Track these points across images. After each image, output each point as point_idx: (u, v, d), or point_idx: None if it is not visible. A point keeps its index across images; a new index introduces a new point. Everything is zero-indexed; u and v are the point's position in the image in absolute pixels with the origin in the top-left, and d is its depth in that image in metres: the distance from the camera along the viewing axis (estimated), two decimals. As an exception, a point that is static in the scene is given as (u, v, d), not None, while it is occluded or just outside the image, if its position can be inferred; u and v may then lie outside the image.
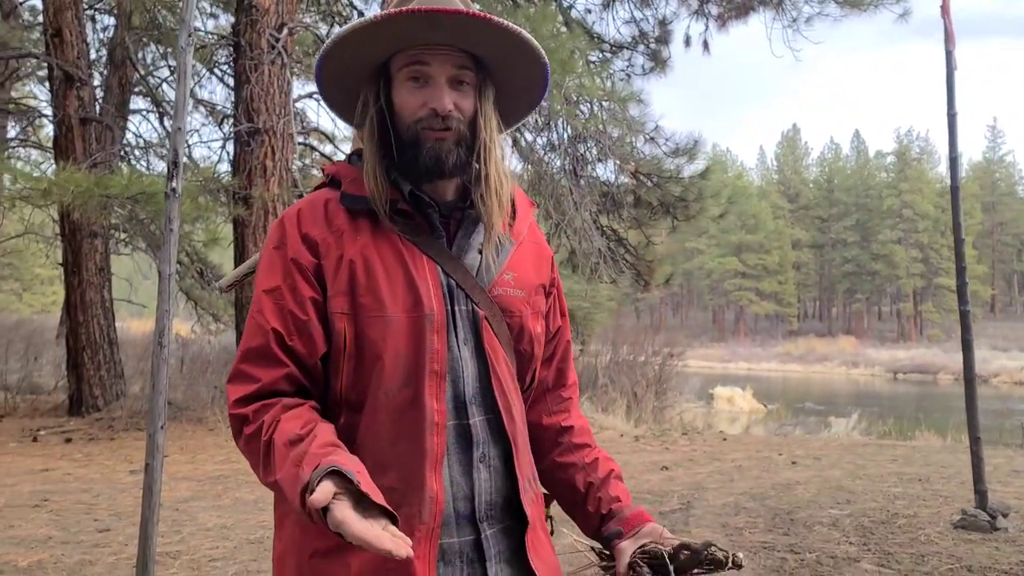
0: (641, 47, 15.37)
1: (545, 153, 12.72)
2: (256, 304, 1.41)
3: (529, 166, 12.67)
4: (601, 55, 15.59)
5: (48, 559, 4.72)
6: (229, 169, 10.63)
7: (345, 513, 1.10)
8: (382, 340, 1.36)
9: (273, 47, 10.13)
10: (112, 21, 13.04)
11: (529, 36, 1.43)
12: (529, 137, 13.22)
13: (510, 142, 13.26)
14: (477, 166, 1.46)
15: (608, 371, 13.35)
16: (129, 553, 4.77)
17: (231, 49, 10.77)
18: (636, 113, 13.81)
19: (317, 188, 1.53)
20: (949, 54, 6.32)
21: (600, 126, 11.83)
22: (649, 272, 14.11)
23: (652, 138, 13.44)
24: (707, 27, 14.97)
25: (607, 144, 12.01)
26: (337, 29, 10.44)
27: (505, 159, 1.53)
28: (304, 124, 14.04)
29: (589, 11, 15.41)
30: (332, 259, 1.40)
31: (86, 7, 12.41)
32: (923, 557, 5.14)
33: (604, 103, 12.67)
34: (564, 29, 9.96)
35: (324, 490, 1.11)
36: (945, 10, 6.34)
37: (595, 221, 13.81)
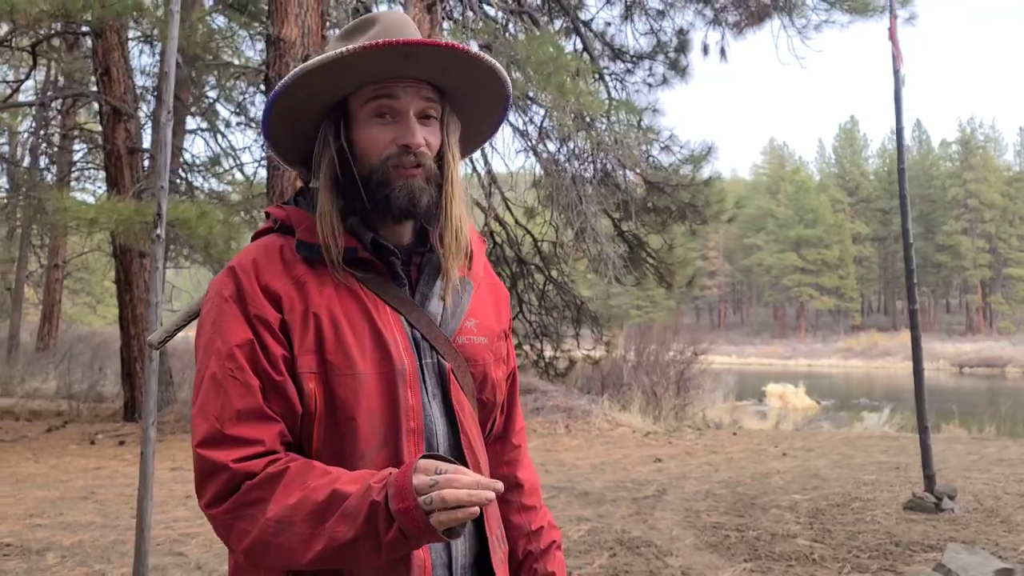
0: (661, 57, 15.88)
1: (567, 161, 13.34)
2: (230, 360, 1.27)
3: (546, 174, 13.33)
4: (623, 66, 16.17)
5: (88, 539, 5.56)
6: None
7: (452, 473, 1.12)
8: (354, 399, 1.28)
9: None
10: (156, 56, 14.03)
11: (501, 68, 1.39)
12: (552, 147, 13.89)
13: (531, 153, 13.94)
14: (440, 205, 1.39)
15: (631, 371, 13.91)
16: (154, 534, 5.58)
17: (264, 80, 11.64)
18: (650, 122, 14.38)
19: (259, 233, 1.44)
20: (896, 72, 6.81)
21: (613, 138, 12.41)
22: (670, 274, 14.64)
23: (667, 146, 14.00)
24: (723, 35, 15.42)
25: (622, 154, 12.56)
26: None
27: (465, 196, 1.45)
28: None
29: (608, 24, 16.00)
30: (297, 314, 1.30)
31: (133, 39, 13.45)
32: (858, 534, 5.66)
33: (621, 115, 13.26)
34: (571, 49, 10.53)
35: (427, 463, 1.14)
36: (892, 34, 6.83)
37: (616, 227, 14.41)
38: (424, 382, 1.35)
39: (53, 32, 12.46)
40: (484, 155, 14.08)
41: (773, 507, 6.42)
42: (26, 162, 20.07)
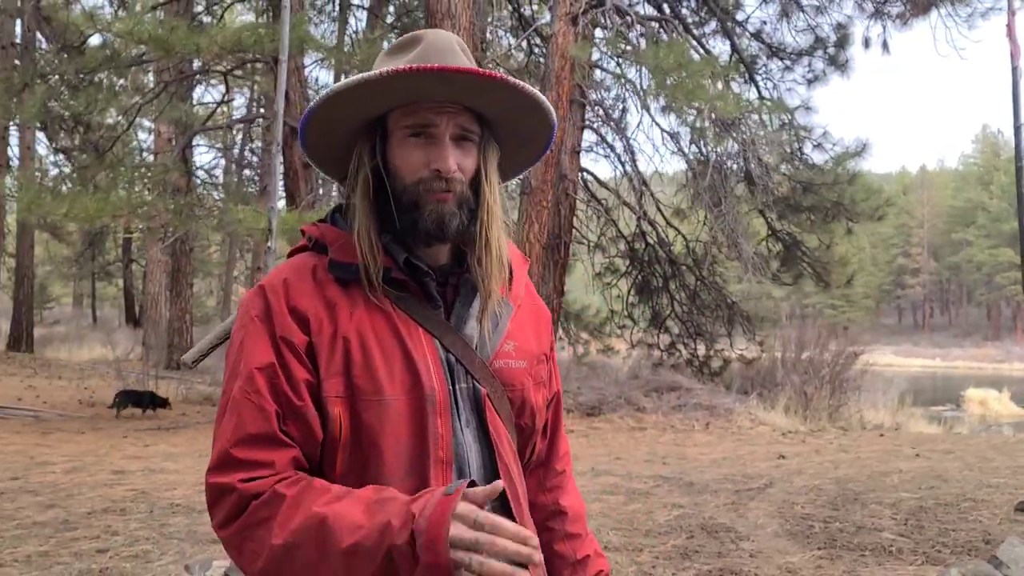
0: (819, 52, 15.66)
1: (715, 162, 13.49)
2: (248, 383, 1.26)
3: (694, 175, 13.54)
4: (780, 63, 16.06)
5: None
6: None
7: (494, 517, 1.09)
8: (379, 426, 1.25)
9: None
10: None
11: (542, 97, 1.37)
12: (699, 149, 14.09)
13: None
14: (475, 229, 1.36)
15: (784, 371, 13.83)
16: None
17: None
18: (804, 120, 14.25)
19: (295, 251, 1.43)
20: (1015, 69, 6.69)
21: (765, 138, 12.45)
22: (827, 273, 14.43)
23: (819, 144, 13.84)
24: (884, 28, 15.01)
25: (770, 153, 12.60)
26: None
27: (506, 222, 1.43)
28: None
29: (765, 22, 15.93)
30: (325, 336, 1.28)
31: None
32: (951, 531, 5.70)
33: (766, 116, 13.27)
34: (696, 56, 10.76)
35: (496, 485, 1.12)
36: (1010, 31, 6.71)
37: (769, 226, 14.40)
38: (457, 408, 1.31)
39: (244, 61, 14.00)
40: (632, 156, 14.45)
41: (874, 503, 6.49)
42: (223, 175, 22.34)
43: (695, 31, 14.80)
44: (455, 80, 1.28)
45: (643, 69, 12.18)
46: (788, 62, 15.86)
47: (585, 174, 15.09)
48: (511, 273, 1.44)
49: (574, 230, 15.29)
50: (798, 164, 13.50)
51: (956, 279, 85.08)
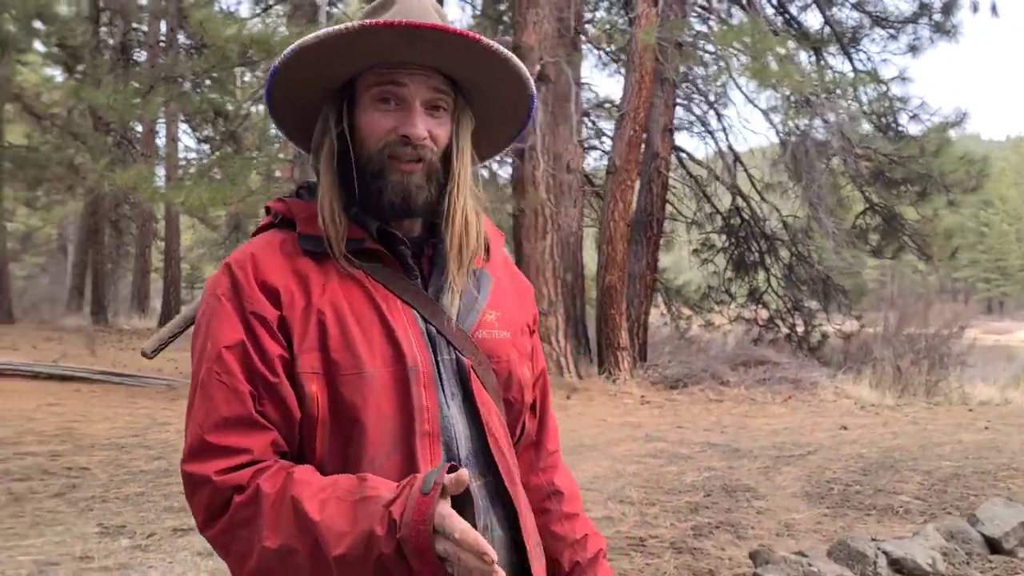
0: (924, 20, 15.27)
1: (807, 137, 13.47)
2: (218, 363, 1.19)
3: (784, 150, 13.56)
4: (885, 32, 15.75)
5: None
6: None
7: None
8: (361, 401, 1.20)
9: (541, 79, 12.33)
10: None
11: (518, 62, 1.30)
12: (792, 124, 14.07)
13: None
14: (444, 204, 1.31)
15: (882, 345, 13.71)
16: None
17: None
18: (901, 91, 13.98)
19: (260, 229, 1.35)
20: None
21: (842, 108, 12.37)
22: (927, 246, 14.17)
23: (915, 115, 13.57)
24: (994, -10, 14.49)
25: (854, 126, 12.50)
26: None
27: (477, 196, 1.37)
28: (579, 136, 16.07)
29: (864, -10, 15.62)
30: (298, 310, 1.22)
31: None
32: (972, 496, 5.86)
33: (859, 88, 13.13)
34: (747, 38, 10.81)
35: (461, 475, 1.05)
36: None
37: (866, 200, 14.24)
38: (441, 381, 1.26)
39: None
40: (725, 132, 14.57)
41: (909, 470, 6.67)
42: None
43: (788, 8, 14.71)
44: (424, 39, 1.22)
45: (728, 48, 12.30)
46: (892, 30, 15.54)
47: (679, 152, 15.30)
48: (487, 246, 1.40)
49: (670, 207, 15.55)
50: (892, 135, 13.29)
51: None
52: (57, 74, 23.35)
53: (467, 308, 1.33)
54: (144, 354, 1.53)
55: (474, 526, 1.05)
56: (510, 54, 1.28)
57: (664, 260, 17.90)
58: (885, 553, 4.17)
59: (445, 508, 1.04)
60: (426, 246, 1.34)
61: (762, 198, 14.95)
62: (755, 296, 15.61)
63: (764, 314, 15.48)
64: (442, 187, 1.30)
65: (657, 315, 18.37)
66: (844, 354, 14.35)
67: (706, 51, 12.96)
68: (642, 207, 14.10)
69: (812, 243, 14.19)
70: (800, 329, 15.15)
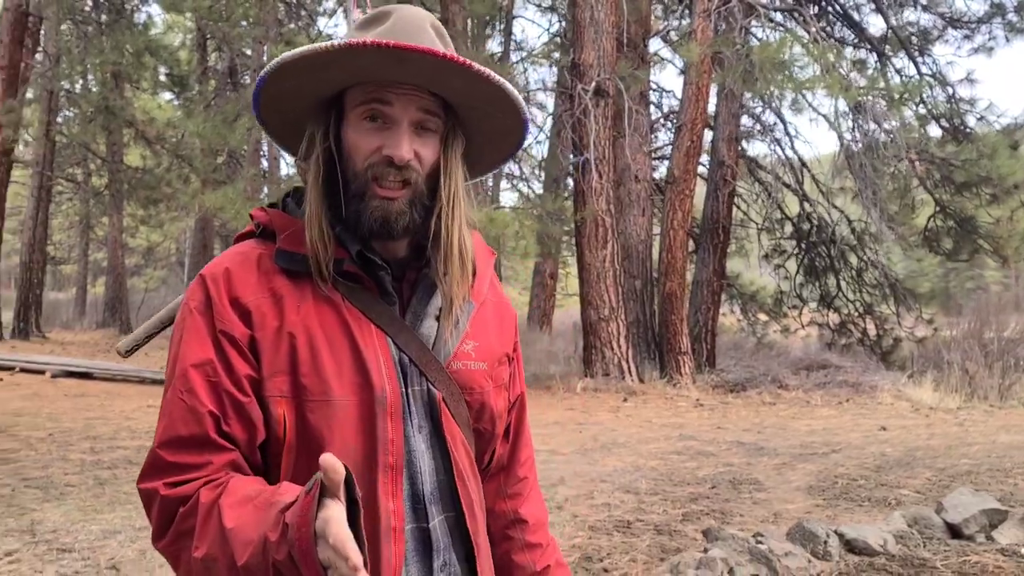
0: (998, 19, 15.11)
1: (869, 142, 13.53)
2: (181, 381, 1.17)
3: (847, 156, 13.64)
4: (959, 33, 15.63)
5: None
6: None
7: (337, 513, 0.95)
8: (326, 429, 1.17)
9: (598, 94, 12.85)
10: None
11: (510, 87, 1.25)
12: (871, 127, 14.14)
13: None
14: (431, 225, 1.26)
15: (951, 348, 13.61)
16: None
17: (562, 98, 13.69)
18: (968, 93, 13.88)
19: (241, 236, 1.32)
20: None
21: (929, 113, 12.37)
22: (1001, 248, 14.00)
23: (982, 117, 13.47)
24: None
25: (903, 132, 12.51)
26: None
27: (470, 215, 1.32)
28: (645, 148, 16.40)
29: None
30: (269, 331, 1.19)
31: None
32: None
33: (917, 93, 13.13)
34: (798, 49, 10.92)
35: (335, 466, 0.95)
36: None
37: (937, 203, 14.19)
38: (409, 412, 1.23)
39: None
40: (791, 138, 14.73)
41: (924, 468, 6.89)
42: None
43: (853, 15, 14.77)
44: (412, 60, 1.18)
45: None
46: (967, 31, 15.41)
47: (747, 159, 15.53)
48: (474, 270, 1.35)
49: (740, 213, 15.78)
50: (960, 137, 13.21)
51: None
52: (169, 98, 25.12)
53: (445, 338, 1.29)
54: (119, 352, 1.58)
55: (359, 538, 0.96)
56: (503, 80, 1.24)
57: (738, 266, 18.09)
58: (839, 535, 4.56)
59: (329, 511, 0.95)
60: (409, 270, 1.31)
61: (830, 203, 15.03)
62: (827, 301, 15.68)
63: (835, 319, 15.52)
64: (427, 209, 1.26)
65: (734, 320, 18.56)
66: (920, 358, 14.29)
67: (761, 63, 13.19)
68: (709, 215, 14.41)
69: (880, 247, 14.21)
70: (872, 333, 15.14)
